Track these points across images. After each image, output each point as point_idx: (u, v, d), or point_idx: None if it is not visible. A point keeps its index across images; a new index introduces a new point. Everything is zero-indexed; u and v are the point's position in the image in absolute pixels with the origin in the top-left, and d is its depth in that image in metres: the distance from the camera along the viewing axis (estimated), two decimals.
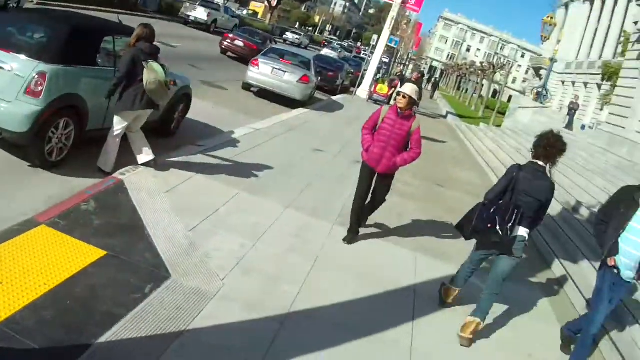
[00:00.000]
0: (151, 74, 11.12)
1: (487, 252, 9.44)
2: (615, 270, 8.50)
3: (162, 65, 11.80)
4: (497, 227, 8.74)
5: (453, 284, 9.95)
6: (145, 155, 12.01)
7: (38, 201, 9.56)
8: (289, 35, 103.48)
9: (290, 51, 33.78)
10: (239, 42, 42.86)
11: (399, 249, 12.02)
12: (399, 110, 10.95)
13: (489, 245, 9.20)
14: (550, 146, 8.81)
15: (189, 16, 58.83)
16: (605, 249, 8.61)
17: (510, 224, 8.72)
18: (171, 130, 15.56)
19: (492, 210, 8.89)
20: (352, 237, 11.58)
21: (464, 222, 9.46)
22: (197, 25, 58.27)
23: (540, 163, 8.89)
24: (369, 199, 11.86)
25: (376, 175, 11.50)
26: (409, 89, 10.93)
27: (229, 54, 42.70)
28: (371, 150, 11.22)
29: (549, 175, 8.93)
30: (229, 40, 43.38)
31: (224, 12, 66.88)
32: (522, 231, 8.98)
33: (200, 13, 59.63)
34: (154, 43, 11.86)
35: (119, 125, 11.53)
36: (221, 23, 62.98)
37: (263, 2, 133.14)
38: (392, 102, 27.59)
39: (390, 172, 11.57)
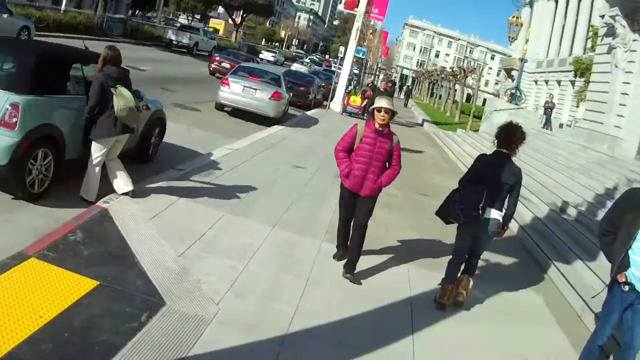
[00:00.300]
0: (120, 100, 11.02)
1: (466, 235, 10.33)
2: (626, 287, 7.85)
3: (137, 91, 11.75)
4: (472, 210, 9.79)
5: (445, 282, 10.38)
6: (125, 185, 11.87)
7: (24, 234, 9.46)
8: (265, 54, 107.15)
9: (259, 68, 33.81)
10: (226, 64, 44.98)
11: (391, 261, 11.96)
12: (378, 127, 10.23)
13: (466, 227, 10.22)
14: (510, 135, 9.99)
15: (172, 40, 65.13)
16: (615, 264, 8.03)
17: (482, 205, 9.73)
18: (149, 156, 15.45)
19: (465, 195, 10.00)
20: (342, 253, 11.25)
21: (442, 208, 10.50)
22: (180, 48, 64.36)
23: (504, 151, 10.05)
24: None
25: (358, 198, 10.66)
26: (386, 102, 10.26)
27: (217, 75, 43.67)
28: (352, 174, 10.39)
29: (513, 161, 10.14)
30: (216, 63, 46.58)
31: (204, 35, 72.01)
32: (495, 213, 10.11)
33: (183, 37, 66.01)
34: (122, 66, 11.76)
35: (97, 152, 11.42)
36: (202, 46, 69.27)
37: (225, 19, 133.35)
38: (366, 115, 27.70)
39: (374, 194, 10.68)
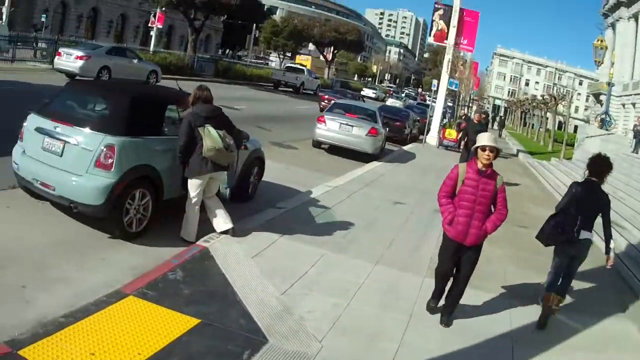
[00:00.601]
0: (208, 140, 11.04)
1: (563, 255, 10.92)
2: None
3: (240, 131, 11.84)
4: (566, 232, 10.58)
5: (547, 290, 11.00)
6: (224, 223, 11.89)
7: (122, 272, 9.61)
8: (367, 91, 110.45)
9: (354, 105, 33.67)
10: None
11: (492, 295, 11.74)
12: (481, 168, 9.44)
13: (563, 248, 10.86)
14: (599, 166, 10.87)
15: (279, 80, 71.32)
16: None
17: (576, 228, 10.49)
18: (248, 195, 15.42)
19: (560, 220, 10.79)
20: (436, 303, 10.35)
21: (541, 232, 11.24)
22: (288, 87, 70.89)
23: (594, 179, 10.80)
24: None
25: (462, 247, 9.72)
26: (489, 139, 9.53)
27: None
28: (456, 221, 9.49)
29: (602, 188, 10.82)
30: (325, 101, 47.62)
31: (309, 75, 76.88)
32: (587, 234, 10.69)
33: (290, 77, 73.54)
34: (214, 105, 11.78)
35: (193, 191, 11.50)
36: (307, 85, 74.05)
37: (315, 55, 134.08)
38: (462, 147, 27.49)
39: (479, 242, 9.73)
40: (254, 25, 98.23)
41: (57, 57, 39.58)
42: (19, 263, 9.27)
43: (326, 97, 50.20)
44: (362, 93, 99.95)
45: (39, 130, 11.08)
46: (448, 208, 9.58)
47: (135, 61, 42.75)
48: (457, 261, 9.93)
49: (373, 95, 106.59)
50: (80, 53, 38.58)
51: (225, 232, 11.84)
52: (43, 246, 10.15)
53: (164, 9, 62.27)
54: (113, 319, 7.78)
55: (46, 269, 9.25)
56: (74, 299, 8.27)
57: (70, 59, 38.21)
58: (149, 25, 68.39)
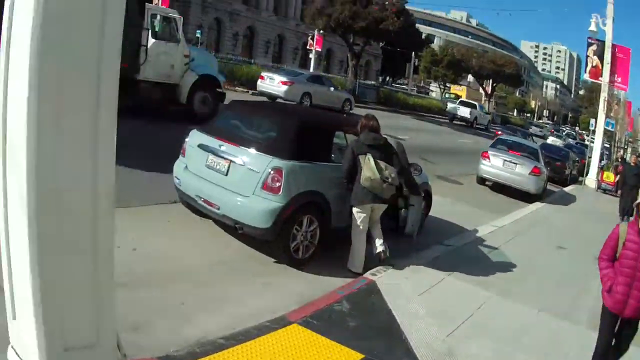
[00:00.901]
0: (365, 169, 11.07)
1: None
2: None
3: (413, 164, 11.97)
4: None
5: None
6: (380, 245, 11.81)
7: (287, 299, 9.62)
8: (534, 129, 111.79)
9: (516, 141, 33.29)
10: None
11: None
12: None
13: None
14: None
15: (455, 115, 73.73)
16: None
17: None
18: None
19: None
20: None
21: None
22: (461, 121, 72.74)
23: None
24: None
25: (620, 319, 8.53)
26: None
27: None
28: (614, 290, 8.29)
29: None
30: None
31: (480, 110, 79.36)
32: None
33: (464, 112, 75.47)
34: (381, 135, 11.80)
35: (357, 219, 11.46)
36: (480, 120, 76.56)
37: (474, 87, 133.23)
38: (619, 192, 26.89)
39: (639, 316, 8.40)
40: (413, 53, 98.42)
41: (259, 80, 44.18)
42: (179, 279, 9.45)
43: (499, 132, 52.78)
44: (530, 131, 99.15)
45: (203, 147, 11.31)
46: (607, 273, 8.47)
47: (332, 89, 46.52)
48: (615, 335, 8.70)
49: (540, 134, 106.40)
50: (283, 79, 42.70)
51: (377, 256, 11.80)
52: (204, 264, 10.37)
53: (322, 31, 62.88)
54: (276, 345, 7.83)
55: (207, 288, 9.41)
56: (234, 321, 8.36)
57: (273, 84, 42.57)
58: (307, 47, 69.15)
